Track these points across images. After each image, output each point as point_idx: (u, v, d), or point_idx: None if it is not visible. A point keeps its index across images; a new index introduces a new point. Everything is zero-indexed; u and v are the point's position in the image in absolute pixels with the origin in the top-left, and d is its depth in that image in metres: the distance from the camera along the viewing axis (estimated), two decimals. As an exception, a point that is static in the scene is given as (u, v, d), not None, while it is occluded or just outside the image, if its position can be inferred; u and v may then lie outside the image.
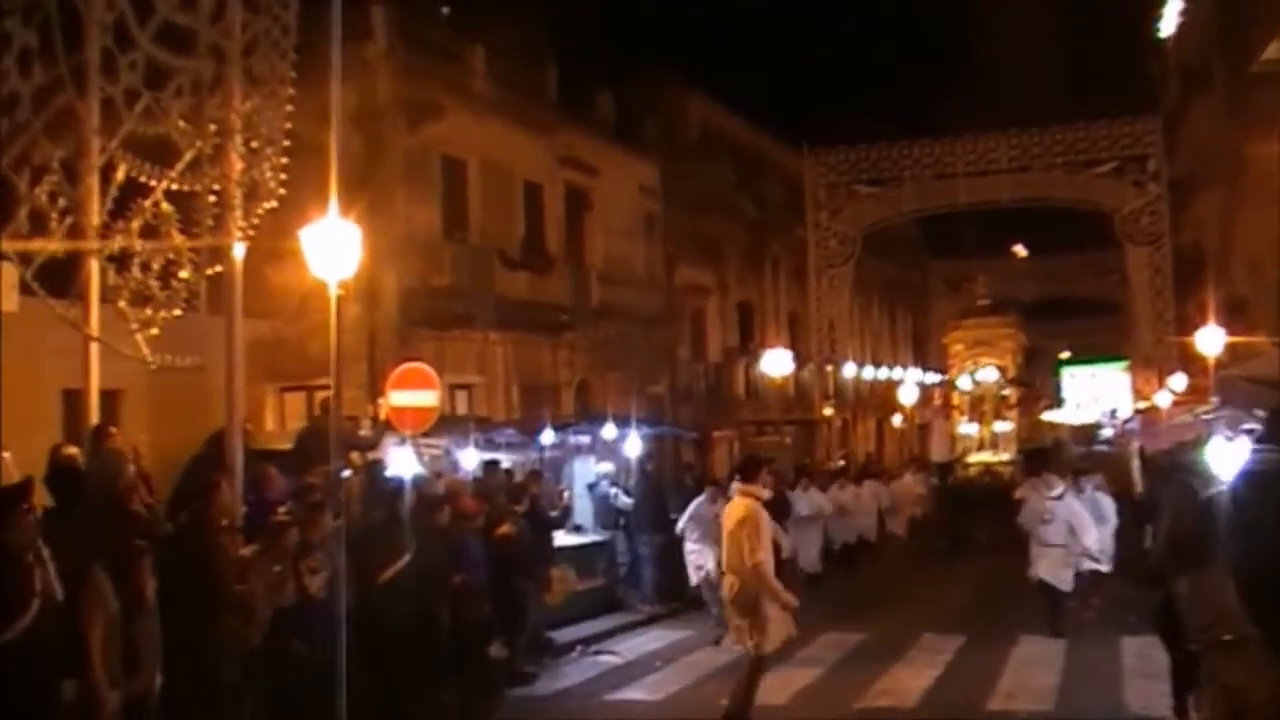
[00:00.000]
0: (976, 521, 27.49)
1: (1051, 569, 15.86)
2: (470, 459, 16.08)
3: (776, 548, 11.89)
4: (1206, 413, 19.12)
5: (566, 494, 17.59)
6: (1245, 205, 26.46)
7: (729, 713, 10.87)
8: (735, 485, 11.39)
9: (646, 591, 18.60)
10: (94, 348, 11.45)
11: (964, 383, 39.04)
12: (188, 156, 10.94)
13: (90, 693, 7.33)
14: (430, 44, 23.44)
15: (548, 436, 18.44)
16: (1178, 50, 34.80)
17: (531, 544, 14.40)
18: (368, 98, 21.04)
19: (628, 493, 19.41)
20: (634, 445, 20.01)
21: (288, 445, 13.99)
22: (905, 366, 47.88)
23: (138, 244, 11.09)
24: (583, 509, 19.09)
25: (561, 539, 16.79)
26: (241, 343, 11.12)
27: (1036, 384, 45.64)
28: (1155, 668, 11.30)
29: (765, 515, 10.99)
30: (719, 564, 12.36)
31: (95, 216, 11.14)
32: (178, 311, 11.09)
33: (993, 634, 15.86)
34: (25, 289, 10.94)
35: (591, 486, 19.60)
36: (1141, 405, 33.70)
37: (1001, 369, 39.00)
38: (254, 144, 10.87)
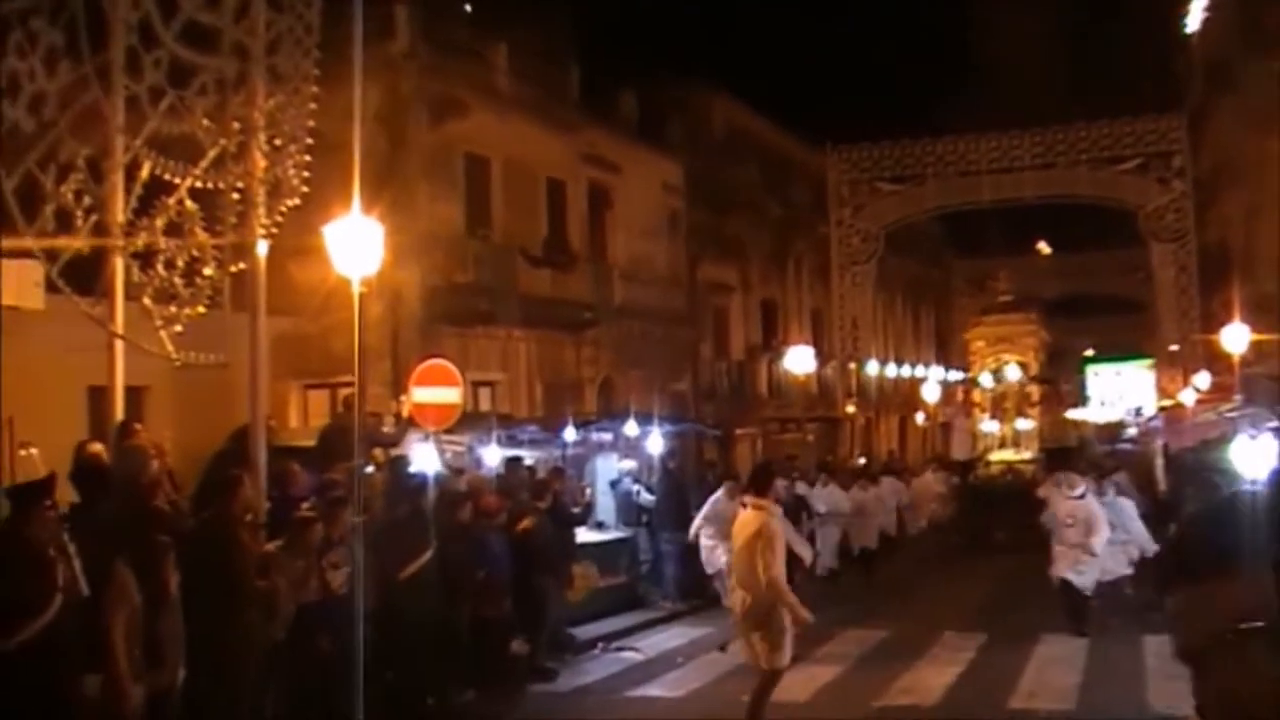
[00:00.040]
0: (997, 520, 27.26)
1: (1074, 568, 15.81)
2: (493, 456, 16.11)
3: (794, 557, 11.62)
4: (1231, 410, 19.03)
5: (589, 491, 17.62)
6: (1271, 202, 26.29)
7: None
8: (748, 498, 10.88)
9: (668, 588, 18.60)
10: (119, 345, 11.52)
11: (986, 380, 38.93)
12: (212, 154, 11.00)
13: (114, 686, 7.39)
14: (453, 42, 23.45)
15: (570, 433, 18.48)
16: (1202, 47, 34.63)
17: (553, 541, 14.44)
18: (390, 95, 21.05)
19: (650, 490, 19.40)
20: (656, 442, 19.99)
21: (311, 442, 14.04)
22: (928, 364, 47.68)
23: (162, 241, 11.16)
24: (605, 506, 19.13)
25: (583, 536, 16.81)
26: (265, 340, 11.20)
27: (1060, 381, 45.41)
28: (1178, 667, 11.17)
29: (779, 527, 10.57)
30: (728, 567, 12.14)
31: (120, 214, 11.22)
32: (201, 309, 11.14)
33: (1014, 633, 15.79)
34: (51, 286, 10.98)
35: (614, 484, 19.59)
36: (1166, 403, 33.54)
37: (1024, 366, 38.89)
38: (277, 142, 10.94)
